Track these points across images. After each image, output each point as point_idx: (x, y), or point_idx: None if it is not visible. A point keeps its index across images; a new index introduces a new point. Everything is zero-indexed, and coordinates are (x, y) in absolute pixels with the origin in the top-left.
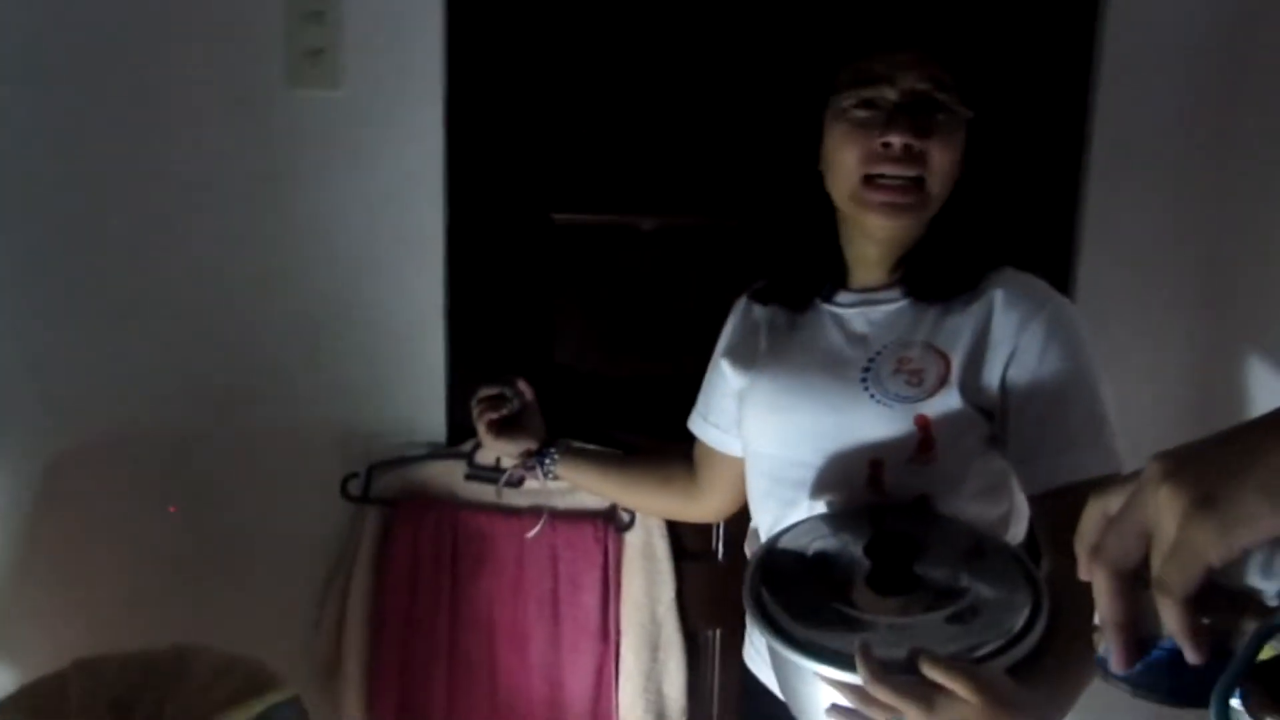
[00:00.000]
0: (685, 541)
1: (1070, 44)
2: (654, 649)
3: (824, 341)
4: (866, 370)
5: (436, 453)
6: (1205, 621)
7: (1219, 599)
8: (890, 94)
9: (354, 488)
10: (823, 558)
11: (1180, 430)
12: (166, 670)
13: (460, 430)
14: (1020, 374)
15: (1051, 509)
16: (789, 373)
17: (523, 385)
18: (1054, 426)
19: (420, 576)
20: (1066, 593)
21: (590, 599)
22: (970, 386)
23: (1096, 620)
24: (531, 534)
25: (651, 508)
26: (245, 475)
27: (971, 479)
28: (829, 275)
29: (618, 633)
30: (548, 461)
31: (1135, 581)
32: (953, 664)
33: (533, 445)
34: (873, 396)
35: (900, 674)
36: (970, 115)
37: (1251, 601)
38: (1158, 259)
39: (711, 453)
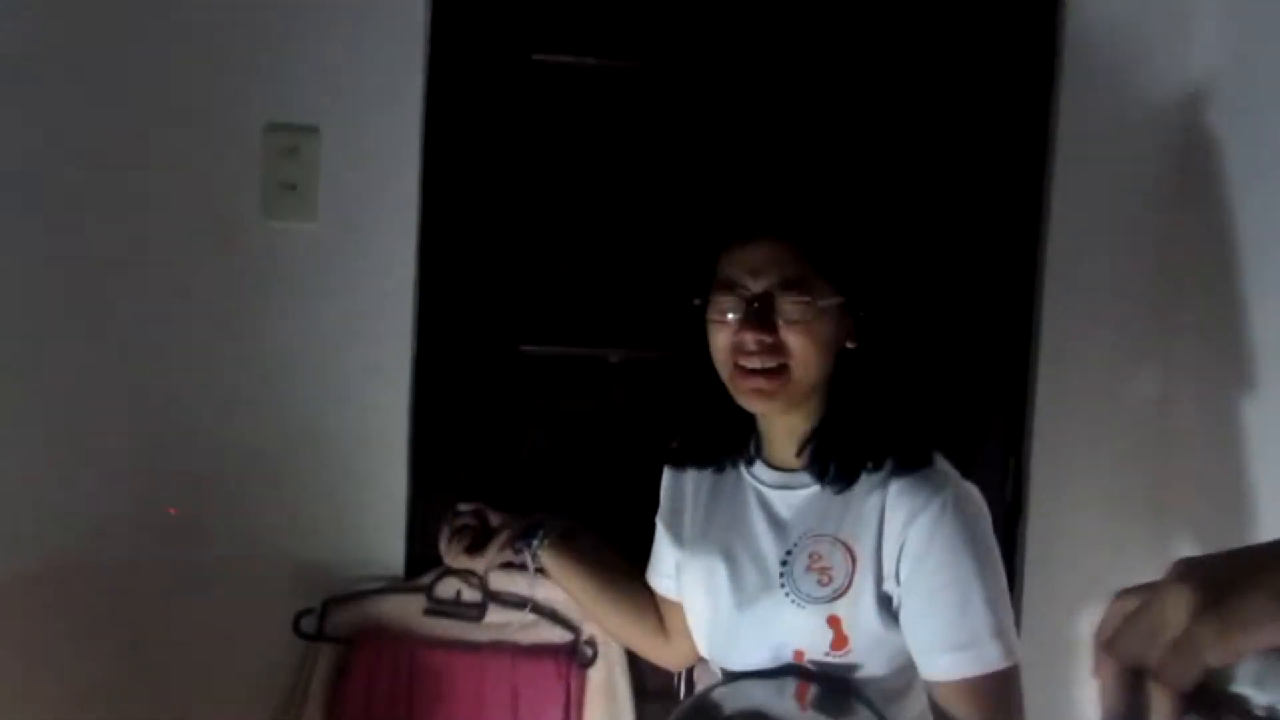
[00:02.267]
0: (647, 680)
1: (1019, 191)
2: None
3: (747, 524)
4: (784, 564)
5: (395, 586)
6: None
7: (1210, 702)
8: (745, 291)
9: (307, 624)
10: None
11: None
12: None
13: (419, 562)
14: (907, 569)
15: (935, 698)
16: (715, 559)
17: (490, 513)
18: (936, 623)
19: (375, 717)
20: None
21: None
22: (875, 580)
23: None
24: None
25: (620, 635)
26: (194, 609)
27: (889, 660)
28: (740, 441)
29: None
30: (534, 543)
31: (1140, 678)
32: None
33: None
34: (788, 596)
35: None
36: (839, 300)
37: (1239, 709)
38: (1111, 397)
39: (665, 601)
